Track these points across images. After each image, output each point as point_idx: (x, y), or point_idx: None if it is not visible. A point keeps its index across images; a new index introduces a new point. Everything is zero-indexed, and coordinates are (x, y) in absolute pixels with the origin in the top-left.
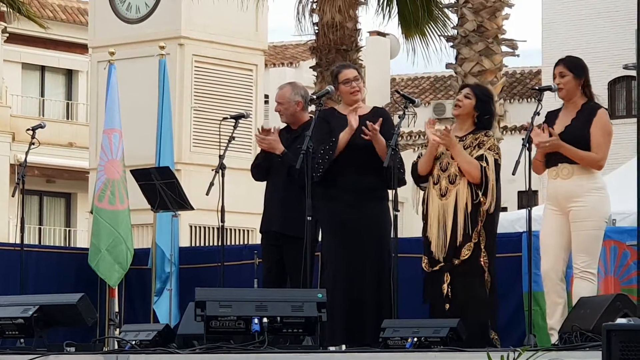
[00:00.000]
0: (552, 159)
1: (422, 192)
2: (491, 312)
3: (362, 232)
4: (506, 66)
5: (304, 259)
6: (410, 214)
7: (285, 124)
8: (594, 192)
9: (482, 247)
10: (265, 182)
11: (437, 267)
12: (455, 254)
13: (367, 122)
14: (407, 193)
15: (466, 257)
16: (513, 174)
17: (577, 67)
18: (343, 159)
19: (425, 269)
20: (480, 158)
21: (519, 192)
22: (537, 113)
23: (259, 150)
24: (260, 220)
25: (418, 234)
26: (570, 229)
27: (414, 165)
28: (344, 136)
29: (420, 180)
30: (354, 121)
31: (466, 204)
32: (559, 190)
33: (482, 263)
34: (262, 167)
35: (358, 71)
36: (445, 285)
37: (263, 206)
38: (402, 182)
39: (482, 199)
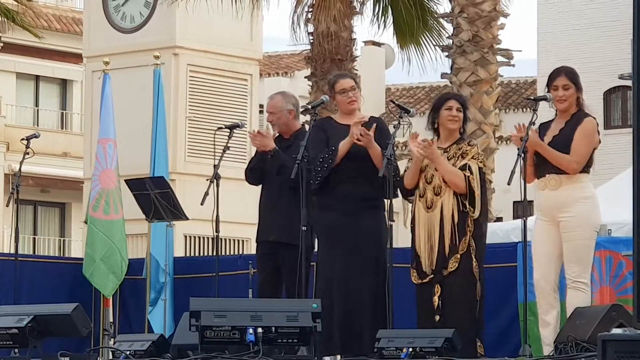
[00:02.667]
0: (540, 170)
1: (410, 205)
2: (479, 322)
3: (358, 241)
4: (501, 76)
5: (299, 268)
6: (404, 224)
7: (277, 134)
8: (583, 202)
9: (473, 256)
10: (259, 192)
11: (426, 280)
12: (444, 265)
13: (360, 126)
14: (401, 204)
15: (454, 268)
16: (508, 184)
17: (576, 79)
18: (340, 168)
19: (414, 281)
20: (463, 168)
21: (514, 202)
22: (532, 123)
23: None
24: (255, 230)
25: (409, 244)
26: (562, 239)
27: (401, 179)
28: (344, 146)
29: (407, 193)
30: (356, 132)
31: (452, 214)
32: (548, 201)
33: (474, 273)
34: (256, 170)
35: (355, 81)
36: (435, 297)
37: (258, 216)
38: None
39: (469, 209)
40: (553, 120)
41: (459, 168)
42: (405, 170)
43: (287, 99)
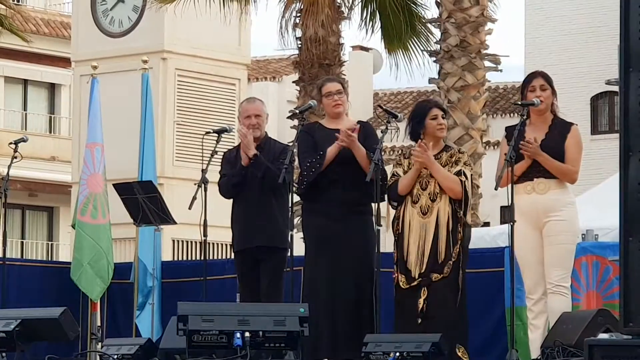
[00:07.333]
0: (527, 173)
1: (393, 210)
2: (464, 329)
3: (345, 246)
4: (489, 81)
5: (284, 272)
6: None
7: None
8: (569, 207)
9: (460, 265)
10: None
11: (414, 283)
12: (434, 269)
13: (343, 129)
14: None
15: (446, 274)
16: (496, 189)
17: (552, 82)
18: (329, 172)
19: (402, 286)
20: (459, 174)
21: (502, 207)
22: (521, 132)
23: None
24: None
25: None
26: (543, 243)
27: (393, 184)
28: (332, 150)
29: (397, 198)
30: (344, 137)
31: (448, 221)
32: (534, 205)
33: (459, 281)
34: (239, 185)
35: (342, 85)
36: (421, 300)
37: (236, 224)
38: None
39: (462, 216)
40: (523, 124)
41: (454, 174)
42: (392, 176)
43: (264, 105)
